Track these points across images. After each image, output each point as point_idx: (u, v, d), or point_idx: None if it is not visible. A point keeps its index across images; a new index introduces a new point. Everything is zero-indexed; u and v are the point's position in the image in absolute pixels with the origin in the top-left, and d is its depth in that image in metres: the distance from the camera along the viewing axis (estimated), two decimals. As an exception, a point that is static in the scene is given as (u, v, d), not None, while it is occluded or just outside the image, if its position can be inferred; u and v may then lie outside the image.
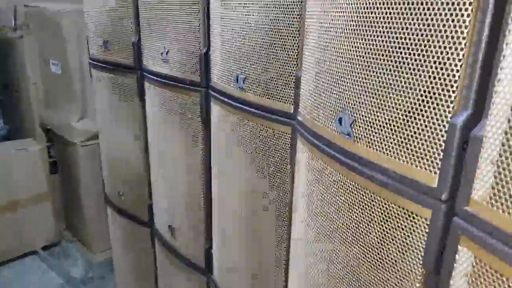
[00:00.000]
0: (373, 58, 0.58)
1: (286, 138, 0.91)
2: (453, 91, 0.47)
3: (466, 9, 0.45)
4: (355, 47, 0.61)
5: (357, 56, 0.61)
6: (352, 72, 0.62)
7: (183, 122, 1.32)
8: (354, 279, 0.68)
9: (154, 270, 1.84)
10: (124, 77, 1.55)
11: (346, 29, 0.62)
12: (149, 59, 1.41)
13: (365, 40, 0.58)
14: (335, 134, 0.68)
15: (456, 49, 0.46)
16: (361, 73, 0.60)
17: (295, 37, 0.83)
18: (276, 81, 0.90)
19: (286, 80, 0.88)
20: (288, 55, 0.86)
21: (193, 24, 1.17)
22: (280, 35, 0.86)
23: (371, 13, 0.57)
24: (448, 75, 0.48)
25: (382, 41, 0.55)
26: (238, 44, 0.99)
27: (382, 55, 0.56)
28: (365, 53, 0.59)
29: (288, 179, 0.94)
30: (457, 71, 0.47)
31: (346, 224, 0.69)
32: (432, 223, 0.52)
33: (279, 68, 0.89)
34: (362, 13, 0.58)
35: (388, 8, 0.54)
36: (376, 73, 0.57)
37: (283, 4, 0.84)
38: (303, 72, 0.81)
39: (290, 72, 0.86)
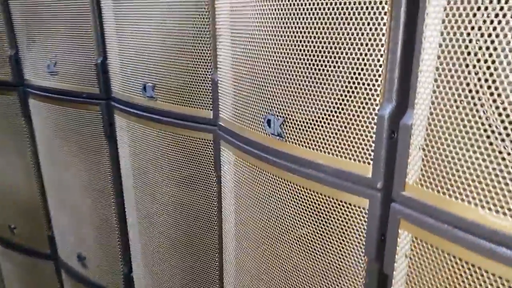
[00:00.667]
0: (296, 58, 0.58)
1: (208, 146, 0.88)
2: (378, 86, 0.50)
3: (383, 8, 0.47)
4: (280, 48, 0.61)
5: (281, 57, 0.61)
6: (277, 73, 0.62)
7: (84, 141, 1.20)
8: (296, 277, 0.68)
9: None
10: (3, 96, 1.36)
11: (270, 30, 0.62)
12: (33, 73, 1.25)
13: (288, 41, 0.59)
14: (265, 136, 0.67)
15: (377, 46, 0.49)
16: (286, 73, 0.61)
17: (206, 38, 0.81)
18: (190, 86, 0.87)
19: (201, 85, 0.85)
20: (201, 57, 0.83)
21: (84, 30, 1.07)
22: (189, 36, 0.83)
23: (296, 14, 0.57)
24: (371, 72, 0.50)
25: (305, 41, 0.56)
26: (142, 50, 0.93)
27: (305, 55, 0.57)
28: (288, 54, 0.59)
29: (215, 188, 0.91)
30: (380, 66, 0.49)
31: (281, 224, 0.69)
32: (370, 212, 0.55)
33: (192, 72, 0.85)
34: (285, 15, 0.59)
35: (312, 9, 0.55)
36: (301, 73, 0.58)
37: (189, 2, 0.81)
38: (219, 74, 0.79)
39: (205, 76, 0.84)
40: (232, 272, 0.92)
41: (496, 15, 0.37)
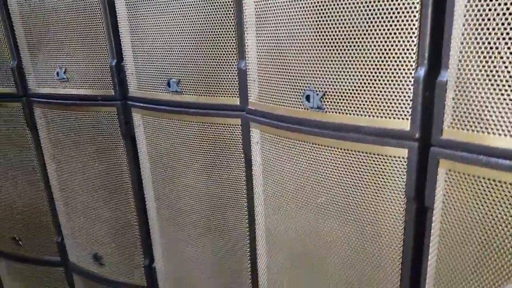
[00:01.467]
0: (334, 35, 0.70)
1: (236, 130, 0.97)
2: (413, 52, 0.63)
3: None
4: (317, 28, 0.72)
5: (318, 35, 0.72)
6: (314, 52, 0.73)
7: (98, 142, 1.25)
8: (341, 241, 0.80)
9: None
10: (7, 108, 1.37)
11: (305, 10, 0.73)
12: (38, 82, 1.28)
13: (326, 17, 0.70)
14: (303, 111, 0.78)
15: (411, 20, 0.61)
16: (324, 51, 0.72)
17: (231, 27, 0.90)
18: (215, 76, 0.96)
19: (226, 74, 0.94)
20: (225, 48, 0.92)
21: (96, 33, 1.12)
22: (212, 28, 0.92)
23: None
24: (406, 42, 0.62)
25: (344, 17, 0.68)
26: (162, 47, 1.01)
27: (343, 31, 0.68)
28: (326, 32, 0.71)
29: (244, 170, 1.00)
30: (414, 36, 0.62)
31: (320, 191, 0.80)
32: (410, 159, 0.67)
33: (217, 62, 0.94)
34: None
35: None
36: (339, 48, 0.70)
37: None
38: (246, 62, 0.88)
39: (230, 65, 0.93)
40: (264, 248, 1.02)
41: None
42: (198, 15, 0.93)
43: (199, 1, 0.92)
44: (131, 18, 1.06)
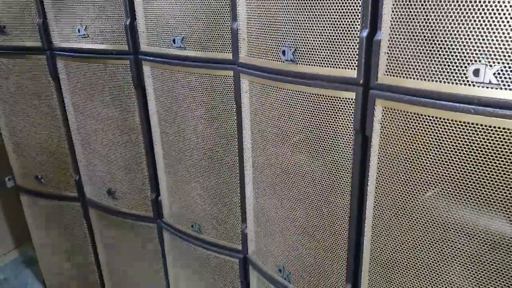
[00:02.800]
0: (302, 7, 0.91)
1: (228, 80, 1.19)
2: (358, 18, 0.84)
3: (360, -29, 0.80)
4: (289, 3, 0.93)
5: (290, 7, 0.93)
6: (289, 14, 0.94)
7: (114, 91, 1.47)
8: (301, 154, 1.04)
9: (91, 240, 1.94)
10: (31, 60, 1.58)
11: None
12: (62, 37, 1.49)
13: (298, -5, 0.91)
14: (280, 63, 1.00)
15: (357, -6, 0.82)
16: (296, 14, 0.93)
17: None
18: (212, 35, 1.16)
19: (222, 33, 1.15)
20: (222, 11, 1.12)
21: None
22: None
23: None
24: (353, 11, 0.84)
25: (310, -6, 0.89)
26: (170, 8, 1.21)
27: (308, 5, 0.89)
28: (297, 5, 0.92)
29: (234, 113, 1.23)
30: (359, 7, 0.83)
31: (291, 128, 1.03)
32: (356, 99, 0.89)
33: (215, 24, 1.15)
34: None
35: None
36: (305, 16, 0.91)
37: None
38: (239, 23, 1.09)
39: (225, 26, 1.13)
40: (250, 177, 1.26)
41: (422, -27, 0.71)
42: (199, -17, 1.13)
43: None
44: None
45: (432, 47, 0.75)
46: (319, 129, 0.99)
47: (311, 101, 0.98)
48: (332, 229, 1.05)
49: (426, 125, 0.79)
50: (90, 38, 1.42)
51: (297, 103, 1.01)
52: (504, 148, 0.70)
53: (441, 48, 0.74)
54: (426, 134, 0.80)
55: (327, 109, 0.95)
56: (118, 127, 1.53)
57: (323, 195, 1.03)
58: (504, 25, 0.65)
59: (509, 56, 0.66)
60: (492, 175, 0.73)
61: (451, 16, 0.71)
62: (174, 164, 1.47)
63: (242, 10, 1.08)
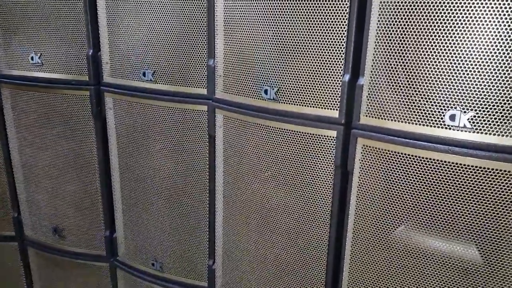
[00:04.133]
0: (288, 47, 0.96)
1: (203, 115, 1.20)
2: (342, 64, 0.91)
3: (344, 19, 0.88)
4: (273, 35, 0.98)
5: (275, 41, 0.98)
6: (272, 55, 0.99)
7: (70, 123, 1.39)
8: (281, 206, 1.07)
9: (28, 285, 1.77)
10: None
11: (268, 22, 0.98)
12: (10, 64, 1.38)
13: (280, 30, 0.96)
14: (262, 101, 1.03)
15: (340, 44, 0.90)
16: (279, 55, 0.98)
17: (203, 32, 1.12)
18: (187, 70, 1.17)
19: (198, 69, 1.16)
20: (198, 48, 1.14)
21: (75, 24, 1.27)
22: (186, 30, 1.13)
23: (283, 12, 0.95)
24: (337, 57, 0.91)
25: (289, 37, 0.94)
26: (140, 41, 1.20)
27: (291, 48, 0.95)
28: (282, 44, 0.97)
29: (207, 148, 1.23)
30: (342, 54, 0.90)
31: (271, 165, 1.07)
32: (337, 138, 0.96)
33: (190, 59, 1.16)
34: (278, 11, 0.96)
35: (297, 11, 0.93)
36: (292, 54, 0.96)
37: None
38: (216, 60, 1.11)
39: (201, 62, 1.15)
40: (221, 215, 1.26)
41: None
42: (175, 16, 1.14)
43: (176, 3, 1.12)
44: (109, 10, 1.23)
45: (411, 93, 0.83)
46: (300, 165, 1.03)
47: (293, 138, 1.02)
48: (311, 264, 1.08)
49: (405, 163, 0.87)
50: (45, 66, 1.34)
51: (278, 140, 1.05)
52: (477, 184, 0.80)
53: (419, 93, 0.83)
54: (405, 171, 0.88)
55: (308, 145, 1.00)
56: (71, 161, 1.44)
57: (303, 229, 1.07)
58: (477, 78, 0.76)
59: (481, 104, 0.77)
60: (466, 207, 0.82)
61: (429, 66, 0.80)
62: (134, 199, 1.41)
63: (220, 47, 1.10)
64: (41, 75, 1.35)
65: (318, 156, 1.00)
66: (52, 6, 1.27)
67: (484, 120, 0.77)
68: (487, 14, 0.73)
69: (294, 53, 0.96)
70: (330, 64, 0.92)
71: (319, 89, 0.95)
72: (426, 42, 0.80)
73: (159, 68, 1.20)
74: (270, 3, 0.96)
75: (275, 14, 0.96)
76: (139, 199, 1.40)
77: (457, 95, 0.78)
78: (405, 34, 0.82)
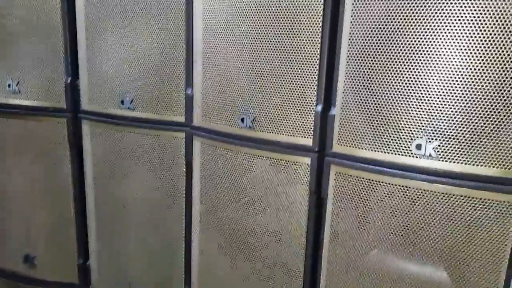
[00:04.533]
0: (264, 77, 1.00)
1: (180, 141, 1.22)
2: (314, 95, 0.96)
3: (316, 52, 0.93)
4: (249, 66, 1.02)
5: (252, 72, 1.02)
6: (248, 85, 1.03)
7: (44, 150, 1.38)
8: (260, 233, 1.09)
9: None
10: None
11: (242, 55, 1.02)
12: (-16, 90, 1.38)
13: (255, 61, 1.00)
14: (238, 129, 1.07)
15: (313, 76, 0.95)
16: (256, 86, 1.02)
17: (182, 62, 1.15)
18: (166, 99, 1.20)
19: (175, 98, 1.19)
20: (176, 77, 1.17)
21: (54, 52, 1.28)
22: (166, 59, 1.16)
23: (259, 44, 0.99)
24: (310, 88, 0.95)
25: (262, 71, 0.99)
26: (120, 70, 1.22)
27: (268, 74, 0.99)
28: (258, 75, 1.01)
29: (183, 173, 1.24)
30: (315, 85, 0.95)
31: (247, 189, 1.09)
32: (312, 164, 0.99)
33: (168, 88, 1.18)
34: (252, 44, 1.00)
35: (272, 45, 0.97)
36: (268, 85, 1.00)
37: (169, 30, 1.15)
38: (194, 90, 1.15)
39: (179, 91, 1.18)
40: (197, 240, 1.27)
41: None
42: (154, 45, 1.17)
43: (155, 34, 1.16)
44: (89, 39, 1.25)
45: (380, 122, 0.88)
46: (276, 190, 1.06)
47: (269, 164, 1.05)
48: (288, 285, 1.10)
49: (376, 189, 0.92)
50: (22, 94, 1.33)
51: (254, 166, 1.07)
52: (443, 209, 0.85)
53: (387, 123, 0.88)
54: (376, 197, 0.92)
55: (283, 172, 1.03)
56: (45, 188, 1.43)
57: (279, 254, 1.09)
58: (442, 108, 0.82)
59: (445, 134, 0.82)
60: (433, 231, 0.86)
61: (395, 97, 0.86)
62: (109, 226, 1.40)
63: (198, 76, 1.14)
64: (17, 102, 1.35)
65: (293, 182, 1.03)
66: (31, 34, 1.28)
67: (449, 149, 0.82)
68: (449, 47, 0.80)
69: (270, 83, 1.00)
70: (303, 94, 0.97)
71: (293, 118, 0.99)
72: (392, 73, 0.85)
73: (137, 96, 1.22)
74: (247, 36, 1.01)
75: (252, 46, 1.01)
76: (114, 225, 1.39)
77: (423, 125, 0.84)
78: (372, 67, 0.87)
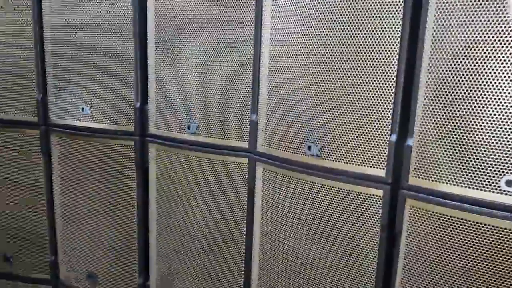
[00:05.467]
0: (333, 103, 0.97)
1: (243, 167, 1.21)
2: (389, 124, 0.91)
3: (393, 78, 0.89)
4: (317, 93, 0.99)
5: (321, 103, 0.99)
6: (316, 112, 1.00)
7: (113, 170, 1.43)
8: (324, 262, 1.04)
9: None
10: (23, 134, 1.52)
11: (310, 83, 1.00)
12: (60, 114, 1.46)
13: (325, 88, 0.97)
14: (305, 157, 1.04)
15: (388, 104, 0.90)
16: (325, 113, 0.99)
17: (248, 89, 1.16)
18: (230, 124, 1.20)
19: (240, 123, 1.18)
20: (242, 103, 1.17)
21: (126, 79, 1.33)
22: (230, 87, 1.17)
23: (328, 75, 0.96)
24: (385, 117, 0.91)
25: (337, 93, 0.96)
26: (186, 96, 1.24)
27: (338, 100, 0.96)
28: (327, 100, 0.98)
29: (245, 199, 1.23)
30: (390, 114, 0.90)
31: (315, 222, 1.05)
32: (384, 197, 0.94)
33: (233, 114, 1.19)
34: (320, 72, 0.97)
35: (343, 74, 0.94)
36: (337, 112, 0.97)
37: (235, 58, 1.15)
38: (259, 116, 1.14)
39: (244, 117, 1.17)
40: (256, 260, 1.24)
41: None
42: (220, 71, 1.18)
43: (222, 60, 1.17)
44: (158, 67, 1.29)
45: (463, 156, 0.82)
46: (344, 223, 1.01)
47: (337, 195, 1.01)
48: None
49: (457, 227, 0.84)
50: (94, 117, 1.40)
51: (320, 196, 1.03)
52: (538, 254, 0.76)
53: (472, 157, 0.81)
54: (456, 235, 0.84)
55: (353, 204, 0.99)
56: (111, 208, 1.47)
57: (345, 289, 1.03)
58: (535, 144, 0.74)
59: (540, 170, 0.74)
60: (527, 278, 0.77)
61: (483, 128, 0.79)
62: (170, 248, 1.41)
63: (263, 102, 1.13)
64: (90, 125, 1.41)
65: (364, 215, 0.98)
66: (104, 61, 1.35)
67: (544, 187, 0.74)
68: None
69: (340, 110, 0.97)
70: (376, 123, 0.92)
71: (365, 148, 0.95)
72: (479, 102, 0.79)
73: (203, 121, 1.23)
74: (316, 60, 0.99)
75: (320, 71, 0.98)
76: (175, 248, 1.39)
77: (514, 160, 0.76)
78: (455, 95, 0.81)
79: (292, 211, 1.10)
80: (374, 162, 0.94)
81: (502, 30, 0.75)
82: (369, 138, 0.94)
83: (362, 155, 0.95)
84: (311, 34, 0.99)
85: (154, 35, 1.27)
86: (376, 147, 0.93)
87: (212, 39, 1.18)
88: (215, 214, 1.28)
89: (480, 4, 0.77)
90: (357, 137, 0.95)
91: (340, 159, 0.99)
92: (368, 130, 0.94)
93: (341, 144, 0.98)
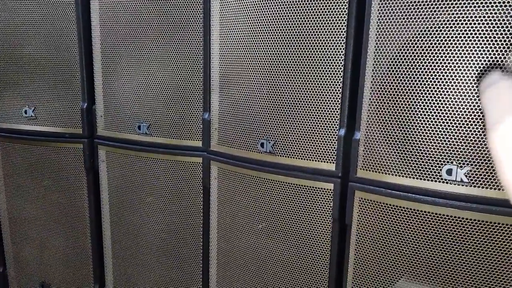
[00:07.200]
0: (284, 101, 0.98)
1: (197, 167, 1.19)
2: (337, 119, 0.93)
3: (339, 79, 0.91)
4: (268, 91, 1.00)
5: (272, 100, 0.99)
6: (268, 110, 1.00)
7: (60, 175, 1.37)
8: (278, 255, 1.06)
9: None
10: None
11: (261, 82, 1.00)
12: (4, 117, 1.38)
13: (274, 85, 0.98)
14: (258, 154, 1.04)
15: (336, 100, 0.92)
16: (276, 110, 0.99)
17: (199, 88, 1.14)
18: (183, 124, 1.18)
19: (193, 123, 1.17)
20: (194, 102, 1.15)
21: (71, 79, 1.28)
22: (184, 83, 1.15)
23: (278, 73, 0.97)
24: (333, 112, 0.93)
25: (285, 95, 0.97)
26: (137, 96, 1.21)
27: (288, 97, 0.97)
28: (278, 98, 0.99)
29: (201, 199, 1.22)
30: (338, 110, 0.92)
31: (268, 217, 1.06)
32: (335, 190, 0.96)
33: (185, 113, 1.17)
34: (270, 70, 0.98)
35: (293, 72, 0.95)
36: (288, 109, 0.98)
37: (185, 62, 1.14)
38: (212, 115, 1.13)
39: (197, 116, 1.16)
40: (215, 266, 1.24)
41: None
42: (171, 69, 1.16)
43: (172, 59, 1.15)
44: (105, 64, 1.24)
45: (407, 148, 0.85)
46: (297, 217, 1.02)
47: (290, 191, 1.02)
48: (311, 317, 1.05)
49: (403, 216, 0.88)
50: (38, 120, 1.33)
51: (274, 192, 1.04)
52: (475, 237, 0.80)
53: (415, 148, 0.84)
54: (403, 224, 0.88)
55: (305, 198, 1.00)
56: (61, 214, 1.41)
57: (299, 284, 1.05)
58: (473, 132, 0.78)
59: (477, 159, 0.78)
60: (464, 260, 0.82)
61: (424, 121, 0.83)
62: (125, 253, 1.37)
63: (215, 100, 1.12)
64: (34, 128, 1.34)
65: (315, 209, 0.99)
66: (47, 60, 1.29)
67: (481, 174, 0.78)
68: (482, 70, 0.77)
69: (290, 107, 0.98)
70: (326, 118, 0.94)
71: (315, 143, 0.96)
72: (421, 96, 0.82)
73: (154, 121, 1.21)
74: (266, 58, 0.99)
75: (271, 69, 0.99)
76: (131, 252, 1.36)
77: (453, 150, 0.80)
78: (399, 89, 0.84)
79: (248, 209, 1.11)
80: (325, 156, 0.96)
81: (436, 32, 0.79)
82: (319, 134, 0.96)
83: (313, 150, 0.97)
84: (261, 32, 0.99)
85: (99, 32, 1.23)
86: (326, 142, 0.95)
87: (160, 36, 1.16)
88: (171, 216, 1.26)
89: (417, 6, 0.80)
90: (307, 132, 0.97)
91: (292, 155, 1.00)
92: (318, 126, 0.96)
93: (293, 140, 0.99)
